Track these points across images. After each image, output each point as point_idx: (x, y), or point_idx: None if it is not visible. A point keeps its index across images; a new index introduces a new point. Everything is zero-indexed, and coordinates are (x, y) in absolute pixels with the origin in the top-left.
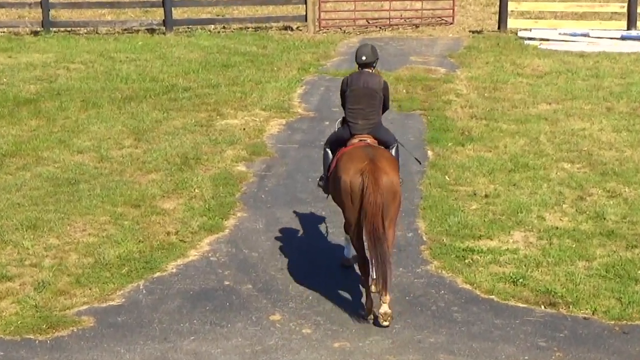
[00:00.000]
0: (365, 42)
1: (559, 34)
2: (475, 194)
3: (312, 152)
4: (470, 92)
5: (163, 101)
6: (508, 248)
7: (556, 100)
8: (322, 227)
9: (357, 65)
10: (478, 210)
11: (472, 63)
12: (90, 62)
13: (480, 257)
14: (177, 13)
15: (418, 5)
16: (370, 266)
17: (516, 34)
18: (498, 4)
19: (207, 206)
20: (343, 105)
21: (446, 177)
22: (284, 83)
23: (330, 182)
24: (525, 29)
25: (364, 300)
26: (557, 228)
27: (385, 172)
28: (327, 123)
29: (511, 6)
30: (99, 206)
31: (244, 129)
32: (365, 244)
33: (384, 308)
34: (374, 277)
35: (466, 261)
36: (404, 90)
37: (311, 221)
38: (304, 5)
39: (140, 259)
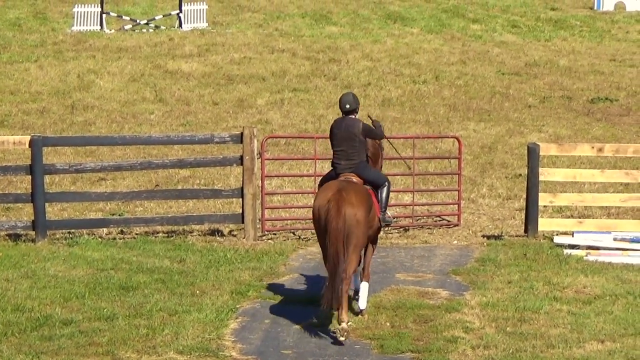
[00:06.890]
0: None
1: (615, 239)
2: None
3: None
4: (485, 326)
5: (32, 340)
6: None
7: (612, 336)
8: None
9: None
10: None
11: (488, 283)
12: None
13: None
14: (53, 211)
15: (407, 198)
16: (325, 284)
17: (551, 239)
18: (524, 197)
19: None
20: (332, 147)
21: None
22: (210, 314)
23: None
24: (565, 233)
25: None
26: None
27: (349, 203)
28: None
29: (543, 200)
30: None
31: None
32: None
33: (342, 325)
34: (325, 294)
35: None
36: (388, 324)
37: None
38: (240, 199)
39: None
